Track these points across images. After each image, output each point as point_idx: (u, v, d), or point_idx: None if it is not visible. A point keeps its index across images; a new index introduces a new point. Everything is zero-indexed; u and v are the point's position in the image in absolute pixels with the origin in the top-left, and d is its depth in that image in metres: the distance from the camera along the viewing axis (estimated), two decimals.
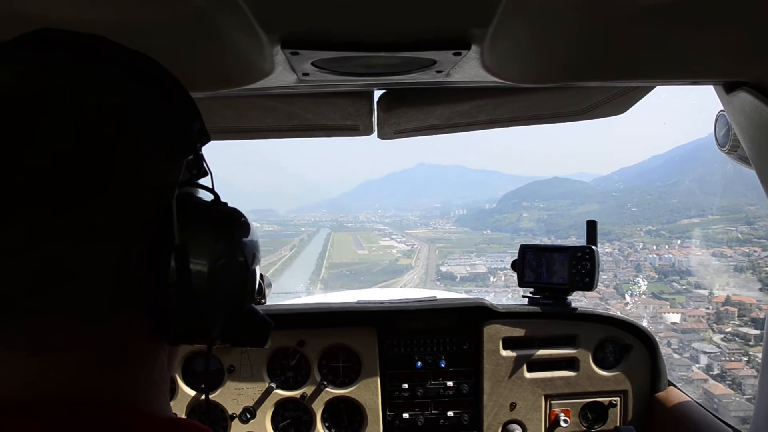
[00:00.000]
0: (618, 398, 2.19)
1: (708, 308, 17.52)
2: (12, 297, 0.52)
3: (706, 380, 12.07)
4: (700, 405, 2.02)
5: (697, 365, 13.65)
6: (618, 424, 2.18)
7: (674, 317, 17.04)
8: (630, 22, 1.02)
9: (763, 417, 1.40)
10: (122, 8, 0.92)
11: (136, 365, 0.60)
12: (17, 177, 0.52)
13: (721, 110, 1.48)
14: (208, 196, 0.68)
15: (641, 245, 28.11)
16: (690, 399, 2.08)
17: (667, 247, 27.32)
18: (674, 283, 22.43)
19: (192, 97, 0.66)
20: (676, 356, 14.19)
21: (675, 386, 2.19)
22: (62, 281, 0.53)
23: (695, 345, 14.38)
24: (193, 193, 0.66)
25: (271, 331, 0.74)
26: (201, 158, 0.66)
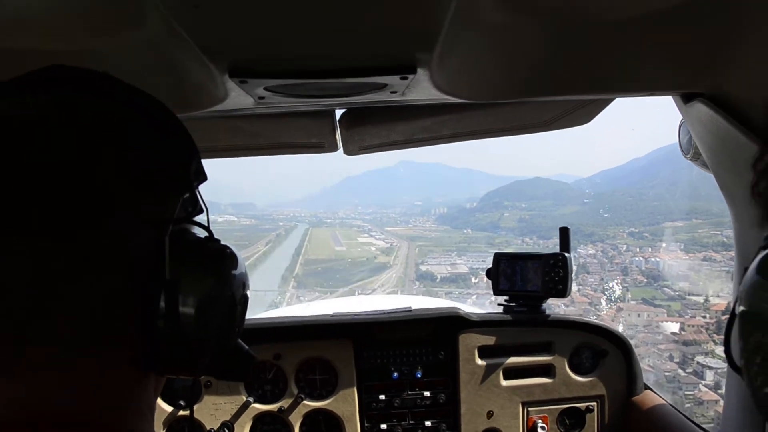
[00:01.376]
0: (595, 403, 2.24)
1: (705, 316, 17.31)
2: (4, 323, 0.55)
3: (717, 401, 11.24)
4: (675, 408, 2.09)
5: (703, 382, 13.05)
6: (596, 429, 2.24)
7: (673, 326, 16.57)
8: (583, 38, 1.05)
9: (731, 418, 1.46)
10: (80, 37, 0.95)
11: (123, 394, 0.62)
12: (16, 206, 0.54)
13: (684, 119, 1.55)
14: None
15: (624, 247, 28.48)
16: (665, 402, 2.15)
17: (650, 249, 27.48)
18: (666, 289, 22.49)
19: (191, 136, 0.69)
20: (681, 373, 13.62)
21: (651, 389, 2.26)
22: (55, 310, 0.55)
23: (699, 359, 13.85)
24: (187, 229, 0.68)
25: (252, 365, 0.77)
26: (198, 196, 0.69)
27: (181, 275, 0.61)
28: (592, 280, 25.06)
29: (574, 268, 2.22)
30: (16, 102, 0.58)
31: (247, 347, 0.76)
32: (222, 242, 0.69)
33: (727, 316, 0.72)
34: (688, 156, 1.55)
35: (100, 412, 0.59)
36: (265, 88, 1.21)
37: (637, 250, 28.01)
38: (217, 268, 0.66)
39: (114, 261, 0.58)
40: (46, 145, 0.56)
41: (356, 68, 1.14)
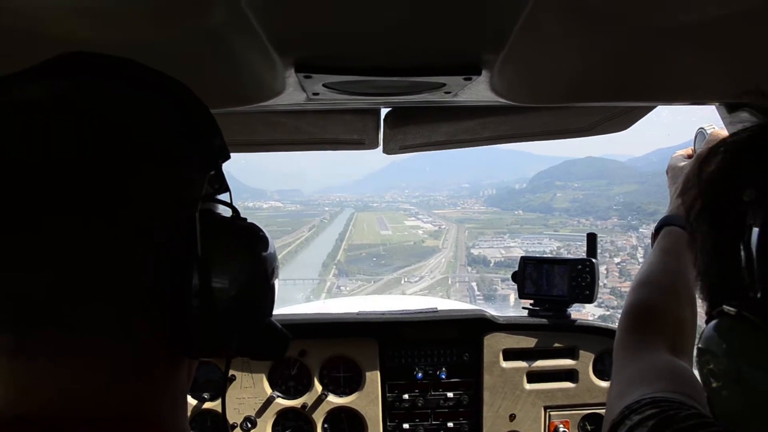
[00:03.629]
0: None
1: None
2: (35, 306, 0.55)
3: None
4: None
5: None
6: None
7: None
8: (635, 45, 1.08)
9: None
10: (137, 27, 0.97)
11: (156, 380, 0.64)
12: (44, 185, 0.55)
13: (700, 128, 1.55)
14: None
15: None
16: None
17: None
18: None
19: (213, 115, 0.70)
20: None
21: None
22: (85, 291, 0.56)
23: None
24: (213, 209, 0.69)
25: (289, 343, 0.77)
26: (221, 174, 0.70)
27: (212, 253, 0.62)
28: None
29: (598, 275, 2.24)
30: (43, 87, 0.60)
31: (281, 326, 0.76)
32: (248, 221, 0.70)
33: None
34: None
35: (132, 398, 0.61)
36: (324, 85, 1.23)
37: None
38: (247, 245, 0.66)
39: (144, 239, 0.59)
40: (73, 127, 0.58)
41: (421, 67, 1.15)
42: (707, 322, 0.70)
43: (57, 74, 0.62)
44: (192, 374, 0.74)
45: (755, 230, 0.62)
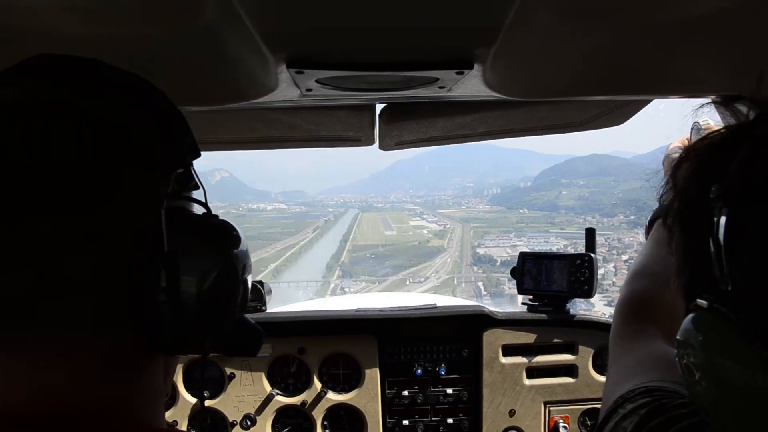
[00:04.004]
0: None
1: None
2: (14, 303, 0.57)
3: None
4: None
5: None
6: None
7: None
8: (628, 39, 1.08)
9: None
10: (132, 23, 0.98)
11: (131, 376, 0.65)
12: (21, 185, 0.57)
13: (695, 122, 1.55)
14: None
15: None
16: None
17: None
18: None
19: (182, 114, 0.72)
20: None
21: None
22: (62, 289, 0.57)
23: None
24: (185, 206, 0.71)
25: (263, 339, 0.79)
26: (192, 172, 0.71)
27: (180, 249, 0.63)
28: None
29: (596, 270, 2.25)
30: (17, 88, 0.62)
31: (253, 322, 0.77)
32: (220, 218, 0.71)
33: None
34: None
35: (108, 394, 0.62)
36: (317, 80, 1.24)
37: None
38: (217, 242, 0.68)
39: (117, 237, 0.60)
40: (45, 129, 0.59)
41: (413, 61, 1.15)
42: (685, 316, 0.71)
43: (29, 76, 0.63)
44: (171, 371, 0.75)
45: (721, 226, 0.64)
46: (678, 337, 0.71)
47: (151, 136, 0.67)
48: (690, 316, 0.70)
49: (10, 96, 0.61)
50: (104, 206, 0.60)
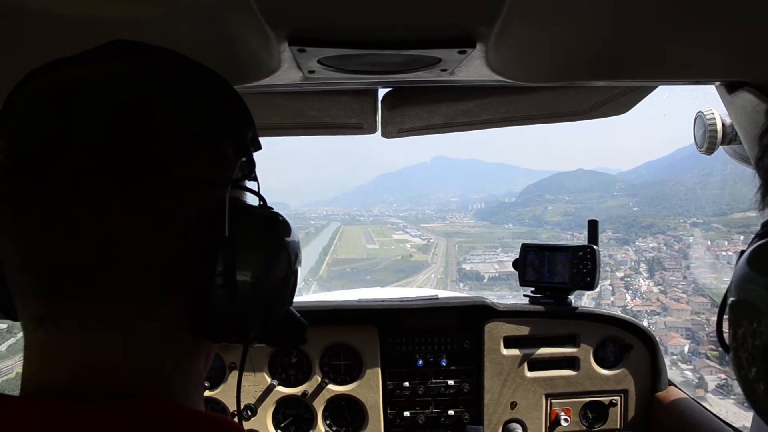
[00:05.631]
0: (618, 398, 2.33)
1: None
2: (70, 272, 0.58)
3: None
4: (700, 404, 2.15)
5: None
6: (618, 424, 2.32)
7: None
8: (635, 22, 1.11)
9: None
10: (130, 4, 0.99)
11: (177, 357, 0.66)
12: (81, 154, 0.58)
13: (699, 111, 1.61)
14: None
15: (691, 239, 26.49)
16: (690, 398, 2.21)
17: (726, 243, 24.24)
18: None
19: (248, 107, 0.76)
20: None
21: (675, 386, 2.32)
22: (119, 262, 0.59)
23: None
24: (240, 196, 0.73)
25: (306, 331, 0.81)
26: (252, 163, 0.73)
27: (240, 235, 0.65)
28: (674, 278, 21.64)
29: (599, 262, 2.30)
30: (94, 70, 0.64)
31: (299, 314, 0.79)
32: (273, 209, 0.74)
33: None
34: (702, 150, 1.62)
35: (155, 378, 0.63)
36: (318, 61, 1.26)
37: (708, 243, 25.12)
38: (273, 231, 0.70)
39: (176, 213, 0.62)
40: (120, 107, 0.61)
41: (415, 40, 1.18)
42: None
43: (108, 59, 0.66)
44: (210, 359, 0.77)
45: None
46: (733, 298, 0.74)
47: (220, 125, 0.70)
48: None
49: (92, 75, 0.63)
50: (167, 183, 0.61)
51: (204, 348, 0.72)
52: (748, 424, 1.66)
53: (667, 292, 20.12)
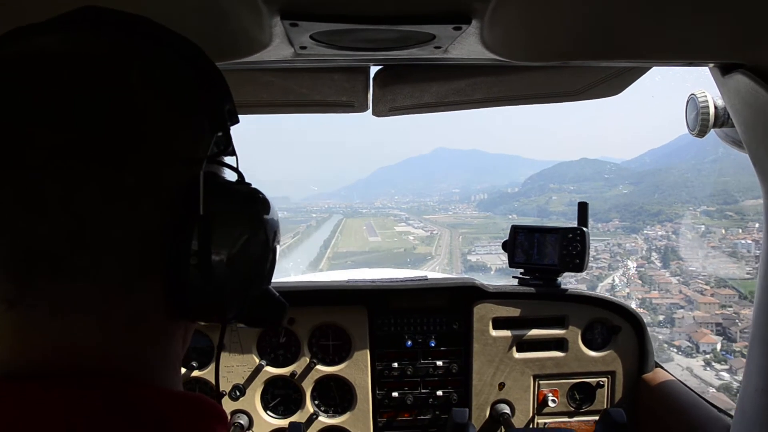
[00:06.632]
0: (606, 379, 2.36)
1: None
2: (41, 252, 0.57)
3: None
4: (686, 386, 2.19)
5: None
6: (606, 405, 2.36)
7: None
8: (631, 3, 1.12)
9: (749, 397, 1.51)
10: None
11: (152, 338, 0.65)
12: (53, 130, 0.57)
13: (691, 94, 1.61)
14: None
15: (702, 228, 25.24)
16: (676, 380, 2.25)
17: (740, 231, 22.81)
18: None
19: (225, 80, 0.72)
20: None
21: (662, 368, 2.36)
22: (90, 241, 0.57)
23: None
24: (219, 172, 0.71)
25: (287, 311, 0.79)
26: (229, 137, 0.72)
27: (214, 213, 0.63)
28: (694, 268, 20.05)
29: (588, 244, 2.32)
30: (64, 39, 0.62)
31: (278, 294, 0.78)
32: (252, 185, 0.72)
33: None
34: (694, 132, 1.63)
35: (129, 354, 0.62)
36: (311, 36, 1.24)
37: (722, 231, 23.41)
38: (251, 209, 0.68)
39: (149, 191, 0.61)
40: (90, 81, 0.59)
41: (409, 15, 1.17)
42: None
43: (79, 27, 0.64)
44: (188, 339, 0.75)
45: None
46: None
47: (195, 98, 0.68)
48: None
49: (60, 45, 0.61)
50: (140, 159, 0.60)
51: (181, 328, 0.71)
52: None
53: (689, 283, 18.86)
